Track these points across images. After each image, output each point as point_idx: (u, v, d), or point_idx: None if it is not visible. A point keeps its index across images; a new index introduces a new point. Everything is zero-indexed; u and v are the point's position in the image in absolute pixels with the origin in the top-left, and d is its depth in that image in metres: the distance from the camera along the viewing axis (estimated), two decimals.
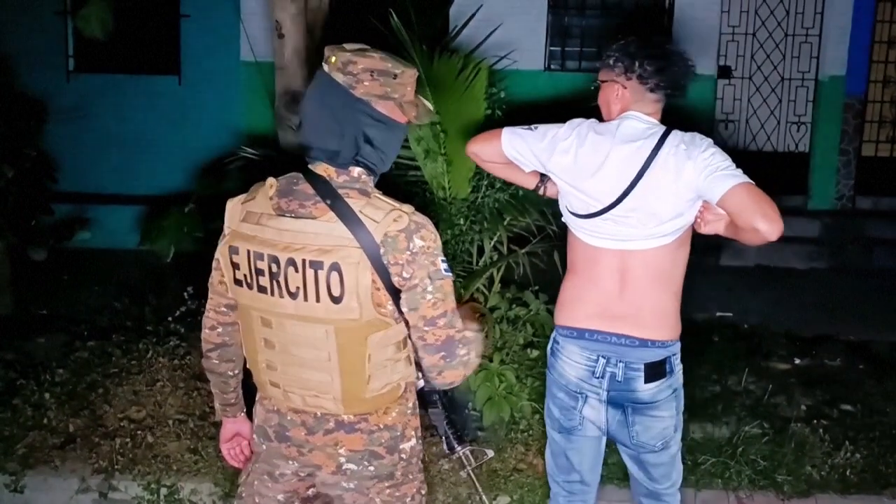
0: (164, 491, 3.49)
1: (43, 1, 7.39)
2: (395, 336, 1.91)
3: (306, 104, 1.96)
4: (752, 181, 2.17)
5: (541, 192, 2.53)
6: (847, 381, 4.62)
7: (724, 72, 7.56)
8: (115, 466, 3.57)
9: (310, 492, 2.08)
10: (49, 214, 5.77)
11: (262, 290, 1.90)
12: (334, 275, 1.81)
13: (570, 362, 2.37)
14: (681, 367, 2.40)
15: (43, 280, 2.93)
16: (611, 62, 2.34)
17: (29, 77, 7.28)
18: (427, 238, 1.87)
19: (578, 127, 2.36)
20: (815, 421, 4.00)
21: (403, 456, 2.02)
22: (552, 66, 7.60)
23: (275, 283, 1.87)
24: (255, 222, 1.91)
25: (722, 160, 2.21)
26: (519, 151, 2.40)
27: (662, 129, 2.30)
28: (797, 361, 4.91)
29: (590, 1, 7.58)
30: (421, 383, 2.06)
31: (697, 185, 2.20)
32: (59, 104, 7.35)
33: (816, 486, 3.54)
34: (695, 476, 3.59)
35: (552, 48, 7.60)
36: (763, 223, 2.10)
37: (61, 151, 7.28)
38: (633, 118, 2.32)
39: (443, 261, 1.91)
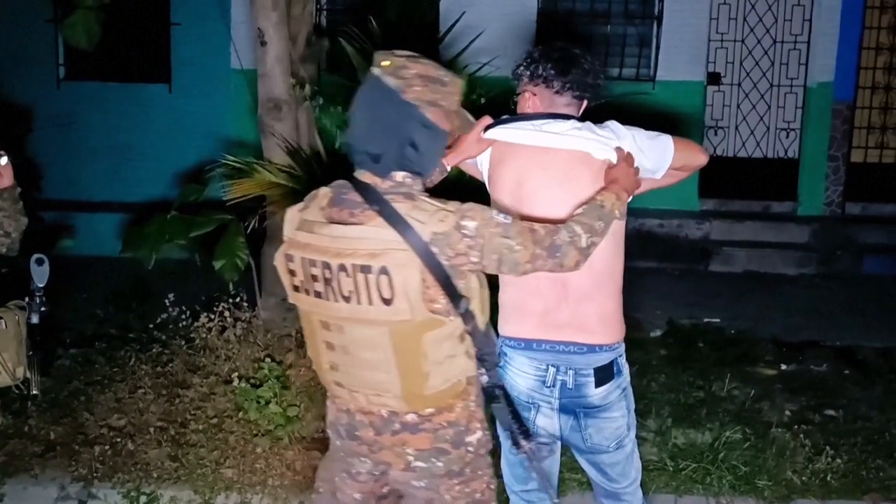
0: (143, 499, 3.47)
1: (34, 9, 7.41)
2: (450, 332, 1.95)
3: (354, 107, 2.00)
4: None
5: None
6: (832, 387, 4.60)
7: (714, 78, 7.57)
8: (95, 474, 3.56)
9: (384, 489, 2.15)
10: (38, 222, 5.78)
11: (318, 295, 1.96)
12: (383, 277, 1.86)
13: (520, 373, 2.36)
14: (627, 366, 2.40)
15: (25, 288, 2.93)
16: (519, 71, 2.39)
17: (19, 85, 7.32)
18: (475, 215, 1.91)
19: None
20: (796, 426, 3.99)
21: (470, 449, 2.05)
22: None
23: (329, 288, 1.92)
24: (309, 230, 1.97)
25: None
26: None
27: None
28: (783, 367, 4.90)
29: (578, 8, 7.60)
30: (484, 378, 2.08)
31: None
32: (49, 112, 7.39)
33: (797, 490, 3.52)
34: (675, 482, 3.57)
35: None
36: None
37: (51, 159, 7.32)
38: None
39: (496, 215, 1.93)
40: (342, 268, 1.89)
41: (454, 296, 1.92)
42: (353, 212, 1.95)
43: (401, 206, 1.90)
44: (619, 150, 2.26)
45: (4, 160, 2.45)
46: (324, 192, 2.02)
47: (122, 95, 7.58)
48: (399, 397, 1.96)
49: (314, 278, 1.94)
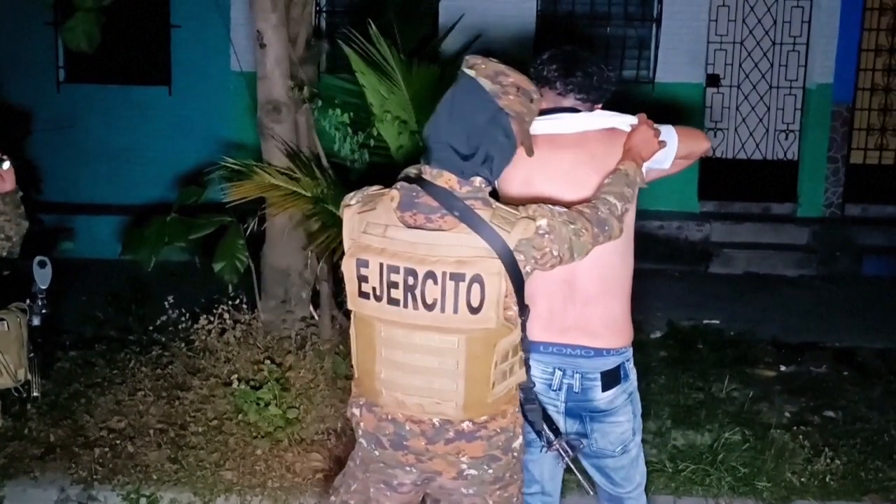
0: (143, 501, 3.47)
1: (34, 12, 7.42)
2: (513, 340, 1.96)
3: (445, 104, 1.98)
4: None
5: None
6: (831, 388, 4.61)
7: (713, 80, 7.58)
8: (95, 476, 3.56)
9: (419, 497, 2.14)
10: (38, 225, 5.78)
11: (393, 302, 1.90)
12: (476, 286, 1.84)
13: None
14: (634, 371, 2.40)
15: (26, 290, 2.94)
16: (530, 73, 2.38)
17: (19, 87, 7.33)
18: (541, 212, 1.94)
19: None
20: (795, 427, 4.00)
21: (515, 454, 2.06)
22: None
23: (410, 295, 1.88)
24: (380, 234, 1.91)
25: None
26: None
27: None
28: (783, 368, 4.90)
29: (578, 10, 7.60)
30: None
31: None
32: (49, 115, 7.40)
33: (796, 492, 3.53)
34: (675, 483, 3.58)
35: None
36: None
37: (51, 162, 7.32)
38: None
39: (553, 206, 1.98)
40: (430, 275, 1.85)
41: (522, 303, 1.94)
42: (430, 217, 1.91)
43: (482, 213, 1.88)
44: (641, 115, 2.29)
45: (7, 165, 2.46)
46: (392, 194, 1.95)
47: (122, 98, 7.58)
48: (460, 406, 1.94)
49: (393, 285, 1.89)
